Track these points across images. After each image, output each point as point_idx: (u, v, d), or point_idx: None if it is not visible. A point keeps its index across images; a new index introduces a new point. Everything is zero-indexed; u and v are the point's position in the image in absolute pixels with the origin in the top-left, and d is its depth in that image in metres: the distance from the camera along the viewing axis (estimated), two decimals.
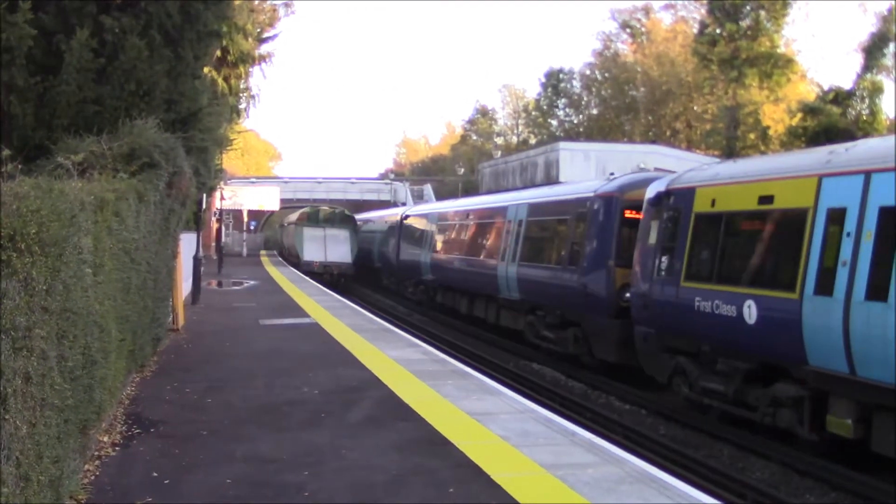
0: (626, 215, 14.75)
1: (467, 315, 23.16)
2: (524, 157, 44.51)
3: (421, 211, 32.21)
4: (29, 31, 9.68)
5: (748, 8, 50.63)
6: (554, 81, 74.77)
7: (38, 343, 4.37)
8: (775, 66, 51.02)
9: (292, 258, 40.19)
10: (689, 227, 12.02)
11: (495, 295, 19.97)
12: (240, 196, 47.84)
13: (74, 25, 10.50)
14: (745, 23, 51.03)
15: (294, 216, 44.28)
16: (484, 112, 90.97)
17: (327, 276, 34.87)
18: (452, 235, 25.75)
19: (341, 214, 39.43)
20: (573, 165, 37.03)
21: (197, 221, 21.47)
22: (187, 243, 19.35)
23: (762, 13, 50.88)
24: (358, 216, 46.00)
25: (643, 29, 66.40)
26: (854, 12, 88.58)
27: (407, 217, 32.21)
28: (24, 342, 4.12)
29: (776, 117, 50.55)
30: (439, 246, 26.39)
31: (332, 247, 36.76)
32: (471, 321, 23.01)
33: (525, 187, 27.92)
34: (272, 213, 65.16)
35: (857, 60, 45.63)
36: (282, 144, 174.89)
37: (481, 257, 21.53)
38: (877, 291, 8.52)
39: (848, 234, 9.06)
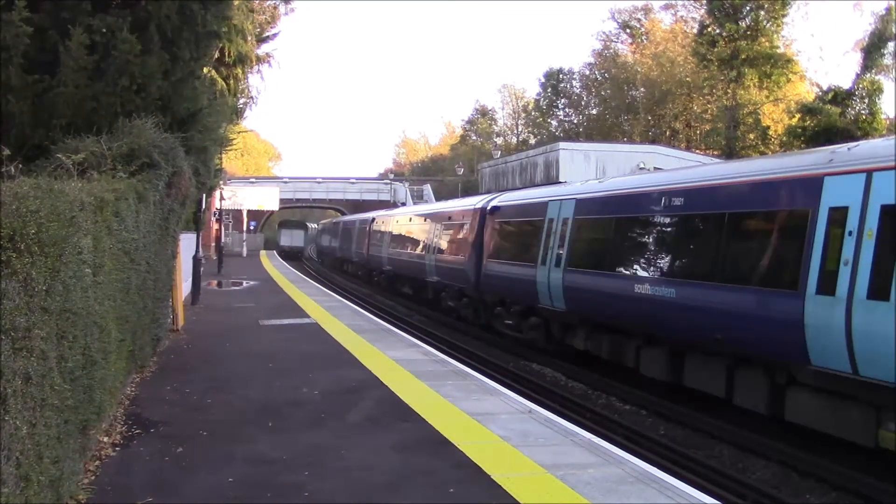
0: None
1: (666, 382, 12.80)
2: (524, 158, 44.58)
3: (532, 197, 19.09)
4: (25, 29, 9.66)
5: (748, 8, 50.67)
6: (553, 81, 74.82)
7: (37, 343, 4.37)
8: (774, 66, 51.08)
9: (276, 245, 67.84)
10: None
11: (785, 360, 9.89)
12: (239, 196, 48.03)
13: (68, 23, 10.48)
14: (744, 23, 51.07)
15: (277, 223, 74.41)
16: (483, 112, 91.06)
17: (291, 253, 62.91)
18: (622, 238, 14.16)
19: (300, 222, 74.62)
20: (573, 165, 37.12)
21: (196, 221, 21.47)
22: (187, 243, 19.34)
23: (761, 13, 50.93)
24: (375, 213, 40.21)
25: (643, 29, 66.49)
26: (852, 12, 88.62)
27: (495, 209, 20.54)
28: (23, 343, 4.11)
29: (776, 117, 50.60)
30: (584, 254, 15.31)
31: (295, 238, 69.23)
32: (664, 390, 13.18)
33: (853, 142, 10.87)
34: (272, 213, 65.29)
35: (857, 60, 45.69)
36: (282, 144, 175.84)
37: (732, 281, 10.97)
38: None
39: None
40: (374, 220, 38.55)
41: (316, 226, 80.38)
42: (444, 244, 24.81)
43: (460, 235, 23.03)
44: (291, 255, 60.89)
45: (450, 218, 24.85)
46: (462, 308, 22.76)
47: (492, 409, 8.95)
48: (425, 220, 28.28)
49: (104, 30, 10.64)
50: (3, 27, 9.50)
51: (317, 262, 65.02)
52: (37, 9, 10.27)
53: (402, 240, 31.32)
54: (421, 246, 27.70)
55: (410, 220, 30.94)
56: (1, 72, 9.74)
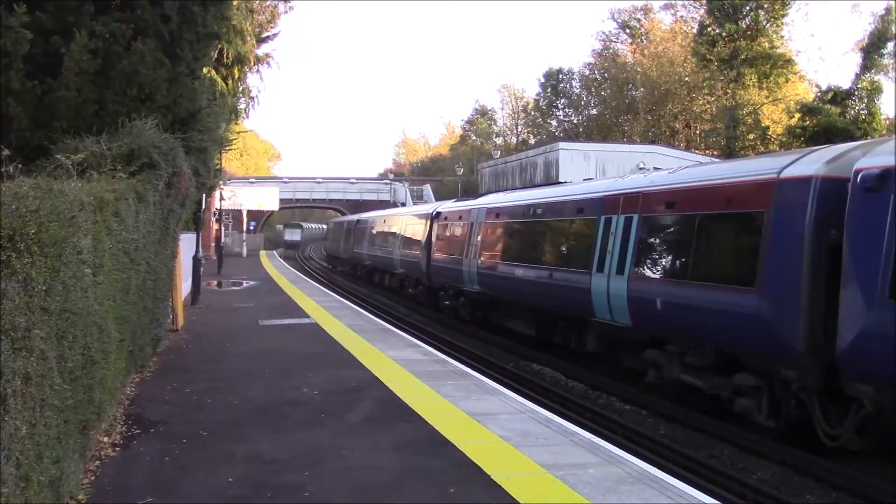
0: None
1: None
2: (524, 158, 44.55)
3: None
4: (25, 34, 9.67)
5: (747, 8, 50.71)
6: (553, 81, 74.80)
7: (37, 343, 4.37)
8: (774, 66, 51.10)
9: (279, 242, 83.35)
10: None
11: None
12: (239, 196, 48.04)
13: (72, 25, 10.50)
14: (744, 23, 51.09)
15: (281, 224, 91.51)
16: (483, 112, 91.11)
17: (291, 246, 79.65)
18: None
19: (298, 224, 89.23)
20: (573, 166, 37.10)
21: (196, 222, 21.46)
22: (187, 243, 19.34)
23: (761, 13, 50.95)
24: (446, 205, 26.18)
25: (642, 29, 66.51)
26: (851, 13, 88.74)
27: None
28: (23, 343, 4.11)
29: (775, 117, 50.62)
30: None
31: (295, 235, 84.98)
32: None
33: None
34: (271, 213, 65.22)
35: (856, 60, 45.71)
36: (281, 144, 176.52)
37: None
38: None
39: None
40: (439, 214, 25.35)
41: (315, 226, 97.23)
42: (680, 257, 12.33)
43: (743, 239, 11.16)
44: (291, 246, 79.71)
45: (705, 202, 11.75)
46: (746, 401, 10.71)
47: (492, 409, 8.94)
48: (611, 209, 14.36)
49: (108, 35, 10.66)
50: (3, 32, 9.51)
51: (318, 262, 64.11)
52: (42, 8, 10.28)
53: (527, 243, 18.30)
54: (584, 255, 14.81)
55: (560, 207, 16.96)
56: (2, 76, 9.75)
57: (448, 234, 24.30)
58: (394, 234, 32.11)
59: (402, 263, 29.84)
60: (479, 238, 20.96)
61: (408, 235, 29.48)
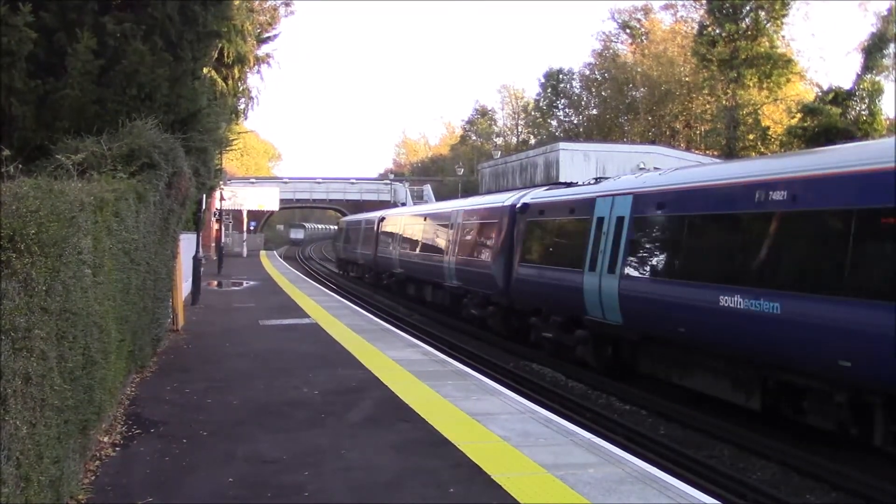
0: None
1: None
2: (524, 158, 44.59)
3: None
4: (29, 33, 9.67)
5: (747, 8, 50.71)
6: (553, 81, 74.85)
7: (37, 344, 4.37)
8: (774, 66, 51.10)
9: (286, 240, 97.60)
10: None
11: None
12: (239, 196, 48.08)
13: (74, 24, 10.50)
14: (744, 23, 51.09)
15: (285, 224, 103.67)
16: (483, 112, 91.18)
17: (296, 244, 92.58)
18: None
19: (301, 224, 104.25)
20: (573, 166, 37.15)
21: (196, 222, 21.47)
22: (187, 244, 19.34)
23: (761, 13, 50.95)
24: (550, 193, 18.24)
25: (643, 29, 66.54)
26: (854, 13, 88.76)
27: None
28: (23, 343, 4.11)
29: (776, 117, 50.64)
30: None
31: (298, 234, 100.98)
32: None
33: None
34: (272, 213, 65.22)
35: (857, 61, 45.71)
36: (282, 144, 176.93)
37: None
38: None
39: None
40: (527, 206, 18.18)
41: (315, 226, 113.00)
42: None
43: None
44: (296, 244, 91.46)
45: None
46: None
47: (492, 409, 8.94)
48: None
49: (118, 34, 10.65)
50: (7, 32, 9.50)
51: (318, 262, 63.30)
52: (45, 7, 10.28)
53: (750, 252, 10.70)
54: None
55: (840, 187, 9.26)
56: (4, 75, 9.74)
57: (548, 235, 17.27)
58: (443, 234, 24.67)
59: (458, 274, 22.16)
60: (617, 241, 13.73)
61: (468, 237, 22.14)
